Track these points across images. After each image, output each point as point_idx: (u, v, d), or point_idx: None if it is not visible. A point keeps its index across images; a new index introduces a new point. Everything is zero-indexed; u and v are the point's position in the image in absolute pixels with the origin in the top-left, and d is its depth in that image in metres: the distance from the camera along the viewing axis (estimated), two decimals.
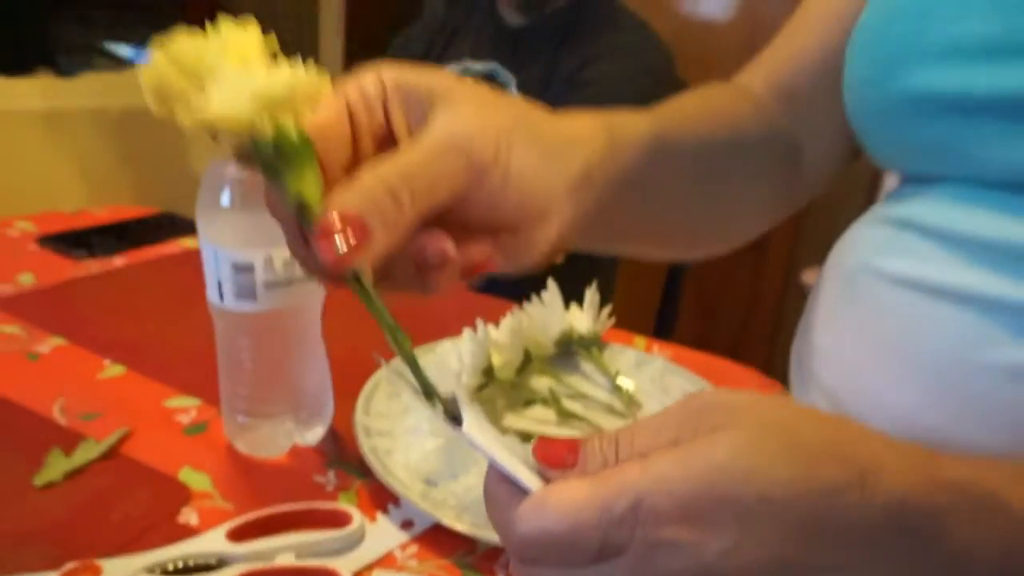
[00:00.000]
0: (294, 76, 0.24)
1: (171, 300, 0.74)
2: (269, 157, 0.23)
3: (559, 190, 0.29)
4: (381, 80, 0.29)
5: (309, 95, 0.24)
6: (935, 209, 0.37)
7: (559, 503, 0.23)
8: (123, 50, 2.66)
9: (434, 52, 1.16)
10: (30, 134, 1.46)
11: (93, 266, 0.81)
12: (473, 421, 0.25)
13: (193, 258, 0.87)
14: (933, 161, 0.38)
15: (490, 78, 1.07)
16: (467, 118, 0.27)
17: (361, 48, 2.60)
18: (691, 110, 0.43)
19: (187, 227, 0.94)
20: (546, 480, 0.24)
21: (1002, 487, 0.23)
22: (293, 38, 2.58)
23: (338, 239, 0.23)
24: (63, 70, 1.68)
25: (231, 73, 0.23)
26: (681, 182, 0.40)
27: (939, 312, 0.35)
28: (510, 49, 1.07)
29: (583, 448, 0.24)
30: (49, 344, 0.63)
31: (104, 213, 0.98)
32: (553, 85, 1.01)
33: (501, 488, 0.24)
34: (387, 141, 0.29)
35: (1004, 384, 0.33)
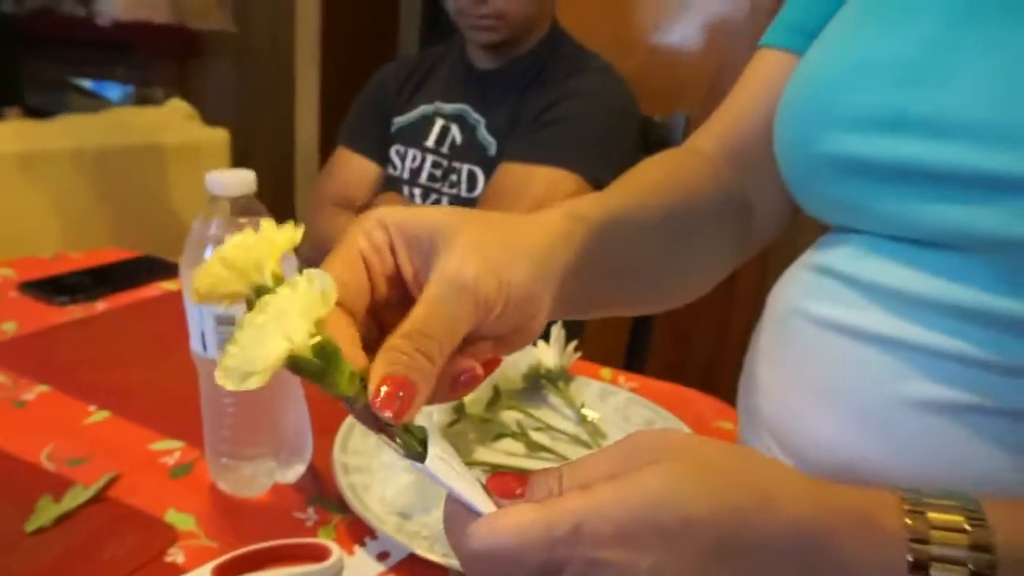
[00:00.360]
0: (308, 299, 0.27)
1: (153, 344, 0.77)
2: (310, 373, 0.27)
3: (547, 298, 0.33)
4: (386, 226, 0.32)
5: (325, 303, 0.27)
6: (850, 258, 0.41)
7: (507, 523, 0.26)
8: (97, 87, 2.68)
9: (407, 91, 1.20)
10: (5, 177, 1.47)
11: (75, 311, 0.83)
12: (435, 455, 0.28)
13: (174, 301, 0.89)
14: (847, 216, 0.42)
15: (460, 118, 1.11)
16: (470, 263, 0.30)
17: (336, 83, 2.64)
18: (651, 183, 0.47)
19: (167, 270, 0.96)
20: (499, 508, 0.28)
21: (877, 512, 0.28)
22: (269, 74, 2.62)
23: (393, 401, 0.27)
24: (36, 107, 1.70)
25: (261, 329, 0.26)
26: (644, 254, 0.45)
27: (857, 352, 0.39)
28: (480, 91, 1.11)
29: (531, 480, 0.28)
30: (34, 392, 0.65)
31: (83, 257, 1.01)
32: (520, 125, 1.05)
33: (458, 509, 0.27)
34: (398, 280, 0.33)
35: (916, 416, 0.37)
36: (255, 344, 0.26)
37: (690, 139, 0.56)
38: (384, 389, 0.27)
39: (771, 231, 0.54)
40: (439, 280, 0.30)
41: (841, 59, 0.42)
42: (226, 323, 0.47)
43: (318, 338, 0.26)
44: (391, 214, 0.33)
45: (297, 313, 0.26)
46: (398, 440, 0.28)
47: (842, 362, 0.40)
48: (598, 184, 1.05)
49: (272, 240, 0.28)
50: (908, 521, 0.27)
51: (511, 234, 0.33)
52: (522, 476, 0.28)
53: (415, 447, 0.28)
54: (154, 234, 1.64)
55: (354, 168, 1.20)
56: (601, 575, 0.26)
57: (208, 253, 0.48)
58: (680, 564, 0.26)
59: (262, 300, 0.26)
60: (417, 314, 0.29)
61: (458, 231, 0.31)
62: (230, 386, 0.26)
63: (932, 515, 0.27)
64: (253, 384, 0.26)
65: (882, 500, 0.28)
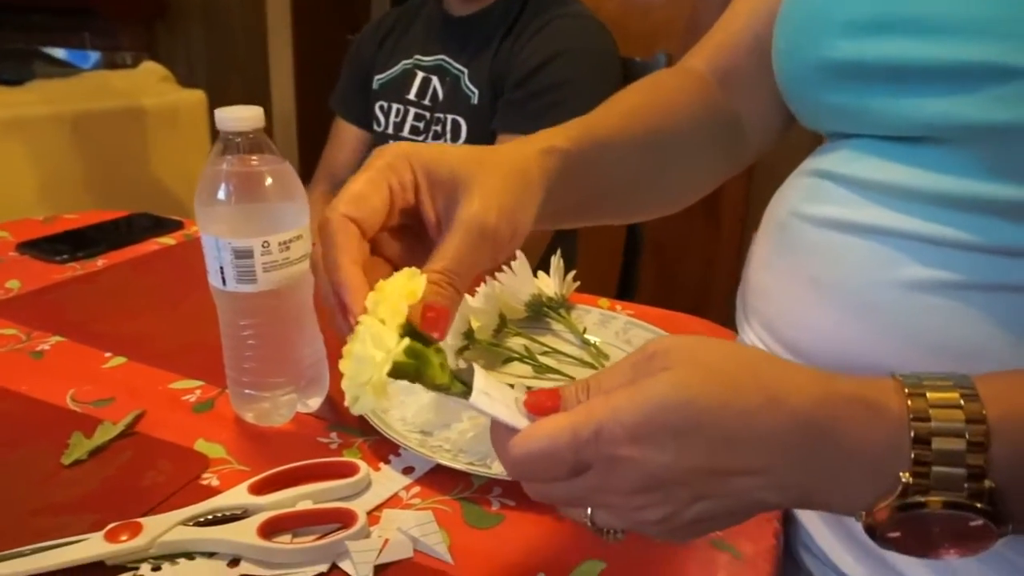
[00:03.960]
0: (406, 292, 0.33)
1: (159, 295, 0.78)
2: (409, 374, 0.32)
3: (532, 222, 0.40)
4: (412, 166, 0.37)
5: (412, 297, 0.33)
6: (846, 160, 0.44)
7: (540, 432, 0.30)
8: (66, 55, 2.62)
9: (386, 48, 1.20)
10: None
11: (76, 269, 0.84)
12: (479, 390, 0.32)
13: (173, 254, 0.90)
14: (842, 121, 0.45)
15: (440, 69, 1.11)
16: (490, 211, 0.36)
17: (311, 45, 2.60)
18: (634, 106, 0.51)
19: (163, 226, 0.97)
20: None
21: (879, 397, 0.29)
22: (240, 37, 2.57)
23: (436, 324, 0.33)
24: (3, 78, 1.66)
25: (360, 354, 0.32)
26: (627, 175, 0.49)
27: (853, 245, 0.42)
28: (458, 40, 1.11)
29: (563, 393, 0.32)
30: (50, 342, 0.67)
31: (77, 218, 1.01)
32: (507, 80, 1.05)
33: (501, 429, 0.32)
34: (412, 214, 0.38)
35: (906, 296, 0.40)
36: (360, 371, 0.31)
37: (682, 60, 0.58)
38: (430, 315, 0.32)
39: (763, 145, 0.57)
40: (467, 225, 0.35)
41: None
42: (244, 256, 0.49)
43: (406, 342, 0.32)
44: (417, 154, 0.37)
45: (389, 315, 0.32)
46: (452, 391, 0.33)
47: (839, 255, 0.42)
48: None
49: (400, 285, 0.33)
50: (909, 403, 0.29)
51: (514, 179, 0.38)
52: (554, 391, 0.32)
53: (463, 389, 0.33)
54: (137, 196, 1.63)
55: (344, 136, 1.26)
56: (622, 471, 0.29)
57: (221, 191, 0.49)
58: (692, 459, 0.29)
59: (358, 328, 0.32)
60: (449, 254, 0.35)
61: (475, 176, 0.36)
62: (358, 411, 0.33)
63: (931, 395, 0.29)
64: (370, 405, 0.32)
65: (883, 385, 0.30)
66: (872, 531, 0.30)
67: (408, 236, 0.39)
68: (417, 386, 0.52)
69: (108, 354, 0.65)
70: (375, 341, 0.31)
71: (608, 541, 0.34)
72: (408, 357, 0.31)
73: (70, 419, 0.55)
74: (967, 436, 0.28)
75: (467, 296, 0.62)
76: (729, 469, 0.29)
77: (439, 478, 0.49)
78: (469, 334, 0.60)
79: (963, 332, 0.37)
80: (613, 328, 0.68)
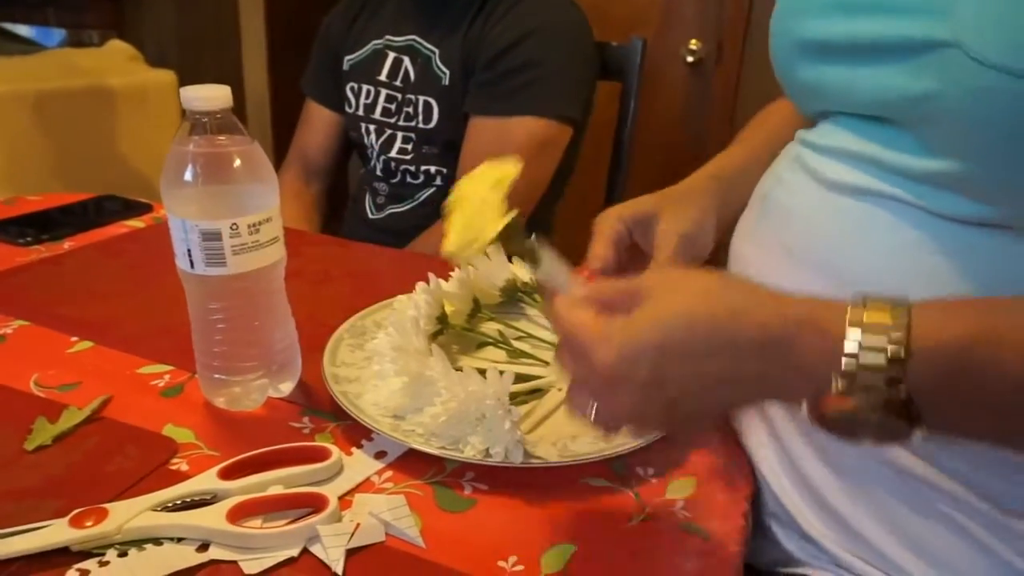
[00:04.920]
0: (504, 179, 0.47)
1: (126, 278, 0.76)
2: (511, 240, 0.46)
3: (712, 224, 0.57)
4: (624, 220, 0.55)
5: (503, 184, 0.46)
6: (823, 134, 0.49)
7: (574, 314, 0.38)
8: (29, 32, 2.54)
9: (356, 29, 1.18)
10: None
11: (41, 251, 0.82)
12: (545, 263, 0.45)
13: (141, 237, 0.89)
14: (813, 97, 0.49)
15: (411, 50, 1.10)
16: (684, 225, 0.54)
17: (284, 25, 2.55)
18: (761, 135, 0.65)
19: (131, 208, 0.95)
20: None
21: (827, 319, 0.33)
22: (210, 16, 2.51)
23: None
24: None
25: (471, 215, 0.46)
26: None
27: (827, 203, 0.46)
28: (429, 20, 1.10)
29: (608, 292, 0.39)
30: (12, 326, 0.65)
31: (41, 200, 0.98)
32: (478, 61, 1.04)
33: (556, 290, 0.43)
34: (632, 250, 0.55)
35: (875, 260, 0.43)
36: (472, 225, 0.45)
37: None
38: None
39: None
40: (670, 236, 0.54)
41: None
42: (212, 238, 0.48)
43: (510, 216, 0.45)
44: (625, 210, 0.55)
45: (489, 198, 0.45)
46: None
47: (814, 214, 0.46)
48: (571, 122, 1.06)
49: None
50: (848, 323, 0.33)
51: (691, 196, 0.57)
52: (609, 289, 0.39)
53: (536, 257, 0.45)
54: (105, 178, 1.59)
55: (315, 119, 1.24)
56: (617, 388, 0.36)
57: (188, 172, 0.48)
58: (670, 369, 0.35)
59: (459, 197, 0.46)
60: (667, 254, 0.53)
61: (663, 210, 0.55)
62: (455, 252, 0.45)
63: (867, 316, 0.33)
64: (477, 250, 0.45)
65: (833, 308, 0.34)
66: (813, 421, 0.35)
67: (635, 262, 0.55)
68: (388, 371, 0.53)
69: (74, 338, 0.64)
70: (484, 208, 0.45)
71: (606, 436, 0.43)
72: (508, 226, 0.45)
73: (34, 404, 0.54)
74: (888, 353, 0.32)
75: (440, 281, 0.62)
76: (709, 373, 0.35)
77: (412, 462, 0.49)
78: (443, 319, 0.60)
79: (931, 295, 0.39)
80: None
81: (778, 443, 0.49)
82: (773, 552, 0.51)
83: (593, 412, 0.38)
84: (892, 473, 0.43)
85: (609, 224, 0.54)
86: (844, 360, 0.32)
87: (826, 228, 0.46)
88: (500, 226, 0.44)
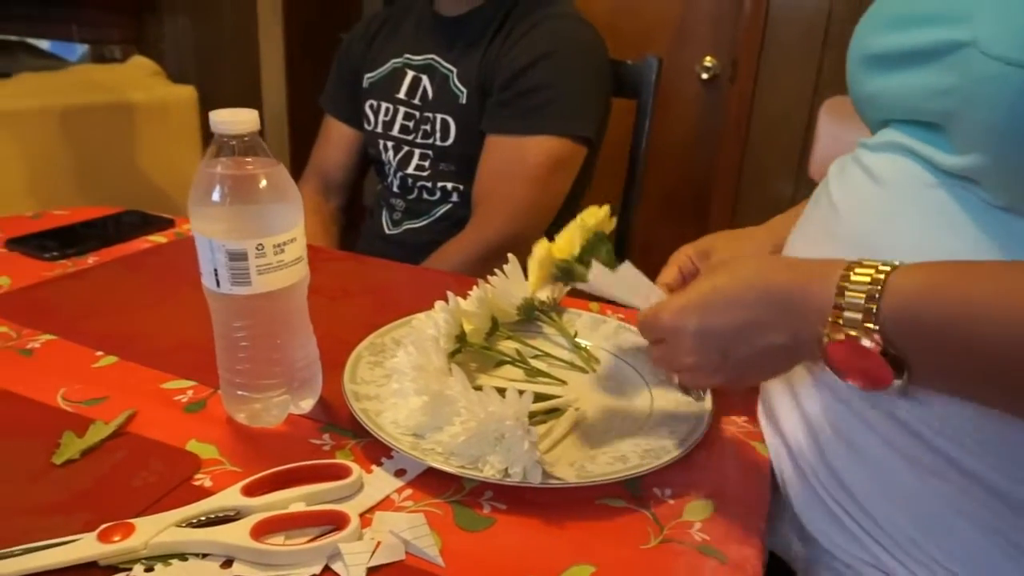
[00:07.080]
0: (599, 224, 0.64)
1: (150, 293, 0.78)
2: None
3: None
4: (689, 255, 0.68)
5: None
6: (877, 136, 0.54)
7: (642, 313, 0.52)
8: (53, 47, 2.59)
9: (376, 47, 1.20)
10: None
11: (66, 266, 0.84)
12: (626, 267, 0.55)
13: (165, 253, 0.90)
14: (871, 108, 0.54)
15: (430, 69, 1.11)
16: (735, 252, 0.66)
17: (302, 41, 2.59)
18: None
19: (154, 224, 0.97)
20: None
21: (826, 274, 0.41)
22: (229, 31, 2.55)
23: None
24: None
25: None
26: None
27: (869, 189, 0.51)
28: (448, 40, 1.11)
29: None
30: (40, 340, 0.66)
31: (67, 214, 1.00)
32: (495, 80, 1.06)
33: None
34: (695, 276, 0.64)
35: (912, 245, 0.46)
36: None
37: None
38: None
39: None
40: (720, 259, 0.66)
41: None
42: (238, 258, 0.49)
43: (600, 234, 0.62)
44: (692, 248, 0.69)
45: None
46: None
47: (861, 199, 0.51)
48: (586, 141, 1.07)
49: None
50: (841, 276, 0.41)
51: (747, 239, 0.69)
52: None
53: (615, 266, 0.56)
54: (126, 192, 1.62)
55: (334, 135, 1.26)
56: (675, 341, 0.48)
57: (216, 193, 0.49)
58: (713, 320, 0.46)
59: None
60: (672, 268, 0.68)
61: (720, 241, 0.69)
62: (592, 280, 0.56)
63: (857, 270, 0.40)
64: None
65: (833, 266, 0.41)
66: (820, 357, 0.43)
67: None
68: (408, 389, 0.53)
69: (99, 352, 0.65)
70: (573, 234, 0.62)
71: (693, 399, 0.56)
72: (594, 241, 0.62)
73: (61, 418, 0.55)
74: (865, 294, 0.39)
75: (459, 299, 0.62)
76: (741, 325, 0.45)
77: (431, 481, 0.50)
78: (461, 337, 0.61)
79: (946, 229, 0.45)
80: (604, 332, 0.69)
81: (808, 427, 0.51)
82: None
83: (675, 377, 0.51)
84: (912, 467, 0.46)
85: (680, 254, 0.68)
86: (834, 299, 0.40)
87: (869, 210, 0.50)
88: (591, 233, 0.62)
